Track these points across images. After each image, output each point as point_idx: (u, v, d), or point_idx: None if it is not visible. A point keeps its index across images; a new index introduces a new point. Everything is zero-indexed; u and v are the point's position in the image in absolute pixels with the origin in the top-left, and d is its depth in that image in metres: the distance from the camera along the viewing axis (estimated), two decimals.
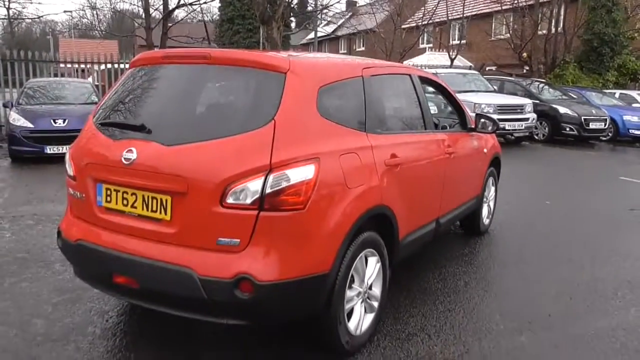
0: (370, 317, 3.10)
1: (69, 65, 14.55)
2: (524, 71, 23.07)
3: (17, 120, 9.07)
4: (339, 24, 36.70)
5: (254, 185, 2.44)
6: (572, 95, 15.90)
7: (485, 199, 5.33)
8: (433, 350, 3.07)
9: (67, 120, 9.06)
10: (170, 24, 18.46)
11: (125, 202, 2.74)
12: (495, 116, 10.29)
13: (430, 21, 25.79)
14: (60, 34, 44.66)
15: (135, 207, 2.70)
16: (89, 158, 2.91)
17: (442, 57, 24.41)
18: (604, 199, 7.69)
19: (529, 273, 4.42)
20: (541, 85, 15.97)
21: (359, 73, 3.24)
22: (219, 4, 27.79)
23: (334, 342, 2.82)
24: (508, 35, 23.57)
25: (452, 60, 22.78)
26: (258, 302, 2.45)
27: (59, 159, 8.37)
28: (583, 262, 4.74)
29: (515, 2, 22.63)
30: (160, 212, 2.62)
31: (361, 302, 3.01)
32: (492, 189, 5.58)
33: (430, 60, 23.11)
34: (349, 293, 2.86)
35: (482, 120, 4.71)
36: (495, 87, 14.83)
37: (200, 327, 3.23)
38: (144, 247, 2.64)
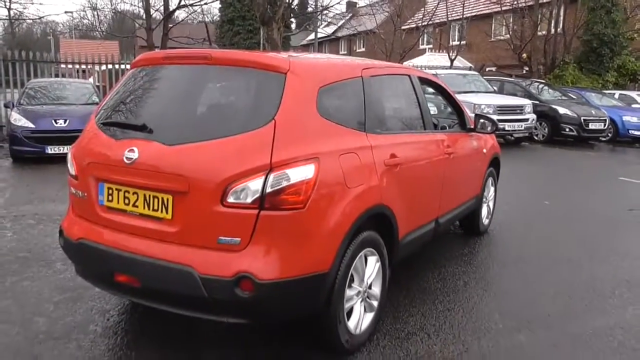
0: (369, 316, 3.12)
1: (69, 66, 14.58)
2: (524, 72, 23.10)
3: (19, 120, 9.10)
4: (339, 25, 36.73)
5: (255, 185, 2.47)
6: (572, 95, 15.93)
7: (484, 199, 5.35)
8: (432, 349, 3.09)
9: (68, 121, 9.09)
10: (171, 25, 18.48)
11: (126, 201, 2.76)
12: (494, 117, 10.33)
13: (430, 22, 25.83)
14: (61, 34, 44.72)
15: (137, 206, 2.73)
16: (91, 157, 2.93)
17: (442, 58, 24.44)
18: (603, 199, 7.71)
19: (528, 273, 4.44)
20: (541, 86, 16.00)
21: (359, 73, 3.27)
22: (220, 5, 27.83)
23: (334, 340, 2.84)
24: (508, 36, 23.61)
25: (452, 61, 22.81)
26: (258, 301, 2.47)
27: (60, 159, 8.44)
28: (582, 261, 4.76)
29: (515, 3, 22.66)
30: (162, 211, 2.64)
31: (361, 301, 3.03)
32: (492, 189, 5.60)
33: (430, 61, 23.14)
34: (349, 292, 2.88)
35: (482, 120, 4.73)
36: (495, 88, 14.85)
37: (200, 325, 3.25)
38: (145, 245, 2.66)
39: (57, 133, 8.94)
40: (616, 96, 17.71)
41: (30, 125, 8.99)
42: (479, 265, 4.59)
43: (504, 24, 24.33)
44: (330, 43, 43.03)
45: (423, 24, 25.61)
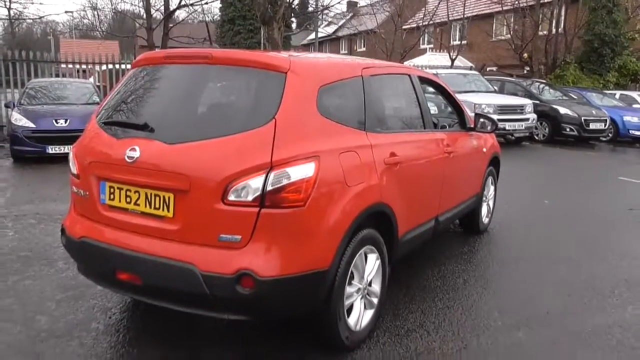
0: (369, 313, 3.14)
1: (70, 66, 14.60)
2: (525, 72, 23.11)
3: (19, 120, 9.12)
4: (339, 24, 36.77)
5: (255, 183, 2.49)
6: (573, 95, 15.94)
7: (484, 198, 5.37)
8: (432, 346, 3.11)
9: (68, 121, 9.11)
10: (171, 25, 18.50)
11: (128, 199, 2.78)
12: (495, 116, 10.35)
13: (431, 22, 25.84)
14: (61, 34, 44.75)
15: (138, 205, 2.75)
16: (93, 156, 2.95)
17: (442, 58, 24.46)
18: (603, 199, 7.73)
19: (528, 271, 4.46)
20: (541, 86, 16.00)
21: (359, 73, 3.28)
22: (220, 5, 27.85)
23: (334, 337, 2.86)
24: (509, 35, 23.60)
25: (452, 60, 22.83)
26: (259, 298, 2.49)
27: (61, 158, 8.49)
28: (581, 260, 4.78)
29: (516, 2, 22.66)
30: (163, 210, 2.66)
31: (361, 299, 3.05)
32: (492, 188, 5.62)
33: (431, 60, 23.16)
34: (349, 289, 2.90)
35: (481, 120, 4.75)
36: (496, 88, 14.86)
37: (201, 322, 3.28)
38: (147, 244, 2.68)
39: (57, 133, 8.96)
40: (617, 96, 17.72)
41: (31, 125, 9.01)
42: (478, 263, 4.61)
43: (505, 23, 24.33)
44: (330, 43, 43.05)
45: (424, 23, 25.63)
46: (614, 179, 9.44)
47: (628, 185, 8.85)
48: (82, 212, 3.04)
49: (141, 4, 20.15)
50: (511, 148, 12.83)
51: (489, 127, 4.77)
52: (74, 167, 3.07)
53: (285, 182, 2.51)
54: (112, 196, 2.85)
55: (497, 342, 3.20)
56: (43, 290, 3.75)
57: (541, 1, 21.99)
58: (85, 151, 3.03)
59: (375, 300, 3.18)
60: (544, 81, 18.04)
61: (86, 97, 10.56)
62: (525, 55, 22.64)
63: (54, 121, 9.11)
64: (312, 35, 32.19)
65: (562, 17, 22.05)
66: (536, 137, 14.46)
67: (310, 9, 29.09)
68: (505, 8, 23.31)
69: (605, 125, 14.37)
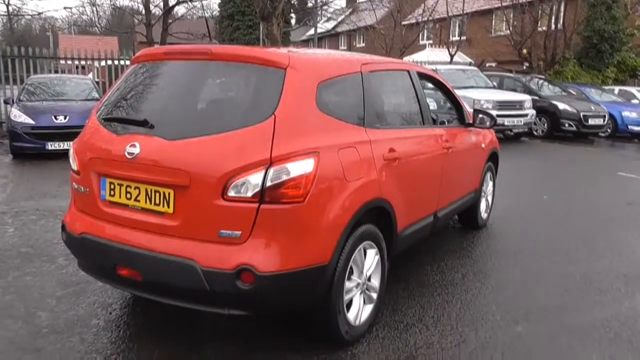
0: (369, 308, 3.16)
1: (69, 62, 14.58)
2: (524, 67, 23.09)
3: (18, 116, 9.11)
4: (339, 20, 36.72)
5: (255, 179, 2.50)
6: (572, 91, 15.94)
7: (483, 194, 5.39)
8: (430, 340, 3.13)
9: (68, 117, 9.11)
10: (170, 21, 18.48)
11: (128, 195, 2.79)
12: (494, 112, 10.34)
13: (430, 17, 25.77)
14: (60, 30, 44.60)
15: (139, 201, 2.76)
16: (93, 153, 2.96)
17: (442, 54, 24.42)
18: (602, 194, 7.74)
19: (526, 266, 4.48)
20: (540, 82, 16.00)
21: (358, 69, 3.29)
22: (219, 1, 27.79)
23: (334, 332, 2.88)
24: (508, 31, 23.55)
25: (452, 56, 22.79)
26: (259, 293, 2.51)
27: (60, 155, 8.49)
28: (579, 255, 4.80)
29: None
30: (163, 206, 2.68)
31: (360, 293, 3.07)
32: (490, 183, 5.63)
33: (430, 56, 23.12)
34: (348, 284, 2.92)
35: (480, 115, 4.76)
36: (495, 84, 14.87)
37: (201, 317, 3.30)
38: (147, 239, 2.70)
39: (57, 129, 8.96)
40: (616, 92, 17.71)
41: (30, 121, 9.01)
42: (477, 258, 4.63)
43: (504, 19, 24.27)
44: (330, 38, 43.00)
45: (423, 19, 25.54)
46: (612, 174, 9.46)
47: (627, 181, 8.87)
48: (83, 208, 3.05)
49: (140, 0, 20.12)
50: (510, 144, 12.84)
51: (487, 123, 4.79)
52: (74, 164, 3.08)
53: (284, 178, 2.52)
54: (112, 192, 2.86)
55: (496, 336, 3.22)
56: (44, 286, 3.77)
57: None
58: (86, 147, 3.04)
59: (374, 295, 3.20)
60: (543, 77, 18.03)
61: (85, 93, 10.56)
62: (525, 51, 22.61)
63: (53, 117, 9.10)
64: (312, 31, 32.14)
65: (561, 13, 22.00)
66: (535, 133, 14.47)
67: (310, 4, 29.07)
68: (504, 4, 23.25)
69: (604, 120, 14.38)
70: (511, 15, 24.12)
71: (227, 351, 2.97)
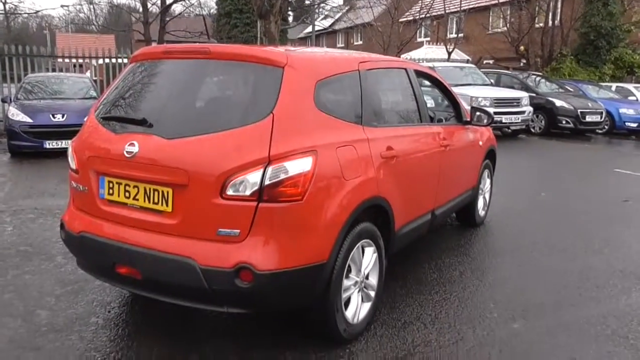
0: (367, 306, 3.17)
1: (66, 60, 14.55)
2: (521, 64, 23.13)
3: (16, 115, 9.09)
4: (336, 17, 36.64)
5: (253, 177, 2.51)
6: (569, 88, 15.96)
7: (480, 191, 5.40)
8: (428, 338, 3.15)
9: (65, 115, 9.08)
10: (168, 19, 18.43)
11: (127, 194, 2.80)
12: (491, 109, 10.38)
13: (428, 15, 25.77)
14: (57, 28, 44.51)
15: (137, 200, 2.77)
16: (92, 151, 2.96)
17: (439, 51, 24.42)
18: (599, 191, 7.77)
19: (524, 263, 4.50)
20: (538, 79, 16.03)
21: (356, 67, 3.30)
22: None
23: (332, 329, 2.89)
24: (505, 28, 23.58)
25: (449, 53, 22.81)
26: (258, 291, 2.52)
27: (58, 153, 8.48)
28: (576, 251, 4.83)
29: None
30: (162, 204, 2.68)
31: (358, 292, 3.08)
32: (488, 181, 5.65)
33: (428, 53, 23.10)
34: (346, 282, 2.94)
35: (478, 113, 4.78)
36: (492, 81, 14.89)
37: (200, 315, 3.31)
38: (146, 238, 2.71)
39: (55, 128, 8.94)
40: (613, 89, 17.74)
41: (28, 120, 8.98)
42: (474, 256, 4.65)
43: (502, 16, 24.32)
44: (327, 36, 42.93)
45: (420, 16, 25.56)
46: (609, 171, 9.49)
47: (623, 177, 8.90)
48: (81, 207, 3.05)
49: None
50: (507, 141, 12.87)
51: (485, 120, 4.80)
52: (73, 162, 3.09)
53: (283, 176, 2.53)
54: (111, 191, 2.86)
55: (493, 333, 3.24)
56: (42, 284, 3.77)
57: None
58: (84, 146, 3.05)
59: (372, 293, 3.21)
60: (540, 74, 18.07)
61: (83, 92, 10.53)
62: (522, 48, 22.64)
63: (51, 116, 9.08)
64: (309, 29, 32.12)
65: (558, 10, 22.04)
66: (532, 130, 14.49)
67: (307, 2, 29.03)
68: (501, 1, 23.29)
69: (601, 117, 14.41)
70: (508, 12, 24.16)
71: (226, 349, 2.98)
